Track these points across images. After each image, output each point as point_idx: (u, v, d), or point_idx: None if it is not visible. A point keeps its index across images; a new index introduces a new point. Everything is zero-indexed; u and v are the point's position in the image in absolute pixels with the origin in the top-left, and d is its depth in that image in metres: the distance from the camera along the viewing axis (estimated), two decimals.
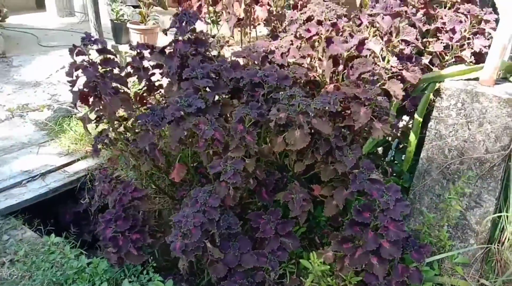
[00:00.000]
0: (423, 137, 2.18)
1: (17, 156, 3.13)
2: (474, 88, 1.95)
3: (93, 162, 3.13)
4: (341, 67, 2.07)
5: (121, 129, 2.41)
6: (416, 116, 2.15)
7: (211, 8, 2.84)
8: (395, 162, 2.58)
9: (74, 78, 1.88)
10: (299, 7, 2.65)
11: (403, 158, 2.54)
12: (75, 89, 1.91)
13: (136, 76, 2.17)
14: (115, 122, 2.25)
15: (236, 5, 2.34)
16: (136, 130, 2.34)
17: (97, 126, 2.27)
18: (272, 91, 1.98)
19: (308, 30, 2.00)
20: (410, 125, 2.37)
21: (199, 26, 2.88)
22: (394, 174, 2.47)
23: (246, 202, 2.28)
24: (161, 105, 2.22)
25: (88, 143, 3.32)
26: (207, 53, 2.54)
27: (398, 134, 2.37)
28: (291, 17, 2.10)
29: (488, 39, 2.04)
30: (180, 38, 2.14)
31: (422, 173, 2.15)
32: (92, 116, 2.17)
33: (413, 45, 2.01)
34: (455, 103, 1.98)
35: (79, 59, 2.00)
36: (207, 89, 2.07)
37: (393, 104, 2.12)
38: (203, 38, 2.27)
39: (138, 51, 2.18)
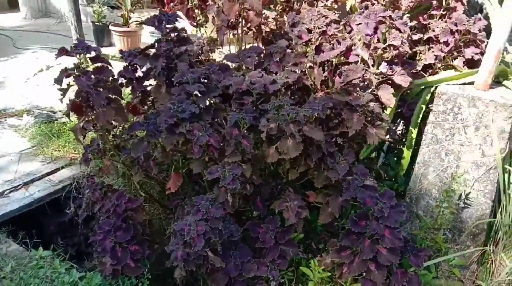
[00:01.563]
0: (418, 141, 2.20)
1: None
2: (470, 92, 1.96)
3: (78, 169, 3.02)
4: (331, 74, 2.07)
5: (110, 137, 2.34)
6: (412, 120, 2.16)
7: (197, 11, 2.78)
8: (389, 165, 2.59)
9: (65, 86, 1.80)
10: (290, 9, 2.63)
11: (396, 161, 2.56)
12: (66, 97, 1.83)
13: (130, 88, 2.10)
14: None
15: (229, 9, 2.29)
16: (126, 138, 2.27)
17: (84, 136, 2.18)
18: (261, 97, 1.96)
19: (299, 37, 1.98)
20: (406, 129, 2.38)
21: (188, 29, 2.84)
22: (388, 178, 2.48)
23: (241, 210, 2.25)
24: (153, 112, 2.16)
25: (72, 150, 3.22)
26: (197, 55, 2.50)
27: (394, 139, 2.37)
28: (293, 18, 2.06)
29: (478, 47, 2.07)
30: (163, 38, 2.10)
31: (419, 177, 2.16)
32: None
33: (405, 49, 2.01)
34: (452, 107, 1.99)
35: (64, 61, 1.91)
36: (198, 94, 2.04)
37: (388, 110, 2.12)
38: (186, 36, 2.23)
39: (130, 60, 2.10)
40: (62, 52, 1.81)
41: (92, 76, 1.84)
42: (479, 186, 2.03)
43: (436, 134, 2.06)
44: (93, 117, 1.94)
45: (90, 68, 2.01)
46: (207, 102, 2.13)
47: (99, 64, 1.96)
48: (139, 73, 2.26)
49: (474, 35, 2.01)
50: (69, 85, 1.83)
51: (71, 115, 1.89)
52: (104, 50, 4.32)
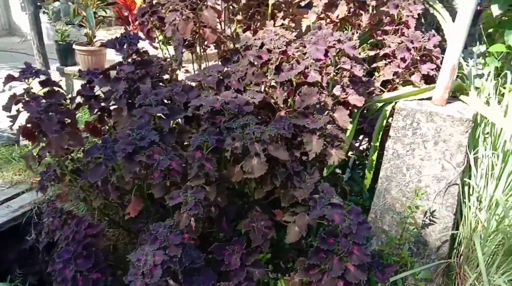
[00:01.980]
0: (381, 155, 2.21)
1: None
2: (428, 108, 2.00)
3: (40, 194, 2.92)
4: (291, 93, 2.08)
5: (68, 161, 2.28)
6: (373, 136, 2.18)
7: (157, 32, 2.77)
8: (354, 180, 2.60)
9: (15, 112, 1.73)
10: (252, 30, 2.64)
11: (361, 176, 2.57)
12: (17, 122, 1.76)
13: (88, 106, 2.06)
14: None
15: (183, 28, 2.28)
16: (84, 161, 2.21)
17: (39, 163, 2.11)
18: (233, 117, 1.94)
19: (259, 57, 1.99)
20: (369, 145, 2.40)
21: (150, 50, 2.82)
22: (354, 193, 2.48)
23: (206, 232, 2.21)
24: (114, 135, 2.11)
25: (34, 173, 3.11)
26: (158, 75, 2.48)
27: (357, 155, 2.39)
28: (246, 42, 2.07)
29: (433, 62, 2.11)
30: (124, 60, 2.08)
31: (382, 192, 2.18)
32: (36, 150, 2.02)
33: (364, 68, 2.04)
34: (411, 123, 2.02)
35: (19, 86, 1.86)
36: (162, 116, 2.01)
37: (350, 126, 2.14)
38: (148, 58, 2.21)
39: (89, 78, 2.07)
40: (9, 79, 1.75)
41: (43, 101, 1.78)
42: (440, 200, 2.05)
43: (397, 149, 2.08)
44: (45, 143, 1.88)
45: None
46: (171, 124, 2.11)
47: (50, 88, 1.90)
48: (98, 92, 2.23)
49: (429, 51, 2.06)
50: (18, 111, 1.76)
51: (21, 141, 1.82)
52: (68, 69, 4.24)
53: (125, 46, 2.18)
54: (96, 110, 2.16)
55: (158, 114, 1.98)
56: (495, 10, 2.47)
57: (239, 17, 2.48)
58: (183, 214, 1.75)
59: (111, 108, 2.26)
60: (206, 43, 2.33)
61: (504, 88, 2.31)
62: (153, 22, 2.58)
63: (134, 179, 1.95)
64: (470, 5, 1.86)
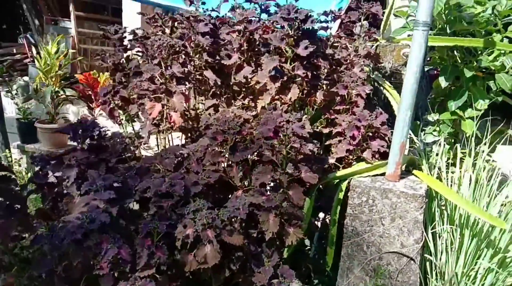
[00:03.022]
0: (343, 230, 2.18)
1: None
2: (382, 184, 2.02)
3: None
4: (248, 171, 2.09)
5: (17, 250, 2.16)
6: (332, 213, 2.17)
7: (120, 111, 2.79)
8: (319, 256, 2.54)
9: None
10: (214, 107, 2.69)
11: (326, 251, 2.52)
12: None
13: (40, 195, 2.01)
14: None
15: (150, 109, 2.31)
16: (34, 250, 2.10)
17: None
18: (182, 199, 1.91)
19: (215, 138, 2.01)
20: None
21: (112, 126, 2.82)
22: (320, 271, 2.41)
23: None
24: (61, 220, 2.03)
25: None
26: (121, 153, 2.45)
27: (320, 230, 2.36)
28: (206, 121, 2.10)
29: (383, 139, 2.16)
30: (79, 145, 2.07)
31: (345, 271, 2.12)
32: None
33: (317, 146, 2.07)
34: (366, 200, 2.03)
35: None
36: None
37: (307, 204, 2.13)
38: (106, 144, 2.20)
39: (41, 165, 2.03)
40: None
41: None
42: (403, 277, 2.01)
43: (356, 226, 2.06)
44: None
45: None
46: (124, 207, 2.05)
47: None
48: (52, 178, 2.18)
49: (377, 129, 2.12)
50: None
51: None
52: (29, 147, 4.16)
53: (79, 134, 2.17)
54: (49, 199, 2.09)
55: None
56: (443, 82, 2.60)
57: (203, 97, 2.56)
58: None
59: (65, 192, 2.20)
60: (172, 124, 2.35)
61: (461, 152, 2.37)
62: (115, 102, 2.61)
63: (82, 267, 1.85)
64: (412, 86, 1.96)
